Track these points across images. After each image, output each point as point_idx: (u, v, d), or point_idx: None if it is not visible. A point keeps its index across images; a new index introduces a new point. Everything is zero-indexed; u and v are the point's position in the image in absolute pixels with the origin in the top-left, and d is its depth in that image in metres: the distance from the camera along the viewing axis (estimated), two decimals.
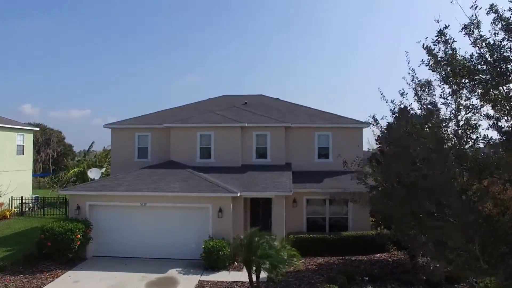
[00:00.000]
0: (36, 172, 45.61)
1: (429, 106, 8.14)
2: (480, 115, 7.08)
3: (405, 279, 13.38)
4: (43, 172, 52.06)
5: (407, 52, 8.67)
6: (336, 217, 18.60)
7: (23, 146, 28.90)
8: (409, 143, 8.17)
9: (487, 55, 6.47)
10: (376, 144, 15.63)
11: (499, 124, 6.58)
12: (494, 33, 6.44)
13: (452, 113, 7.69)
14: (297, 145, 20.39)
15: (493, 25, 6.40)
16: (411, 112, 9.29)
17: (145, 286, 13.15)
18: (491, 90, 6.52)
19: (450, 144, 7.36)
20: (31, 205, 28.12)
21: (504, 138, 6.48)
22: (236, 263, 15.04)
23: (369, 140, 42.68)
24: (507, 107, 6.43)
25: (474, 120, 7.34)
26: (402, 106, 10.05)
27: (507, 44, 6.38)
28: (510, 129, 6.59)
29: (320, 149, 20.53)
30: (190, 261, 15.30)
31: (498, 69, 6.36)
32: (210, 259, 14.43)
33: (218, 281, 13.49)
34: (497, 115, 6.67)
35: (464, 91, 7.20)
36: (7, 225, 23.10)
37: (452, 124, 7.76)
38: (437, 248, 7.66)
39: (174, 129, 20.42)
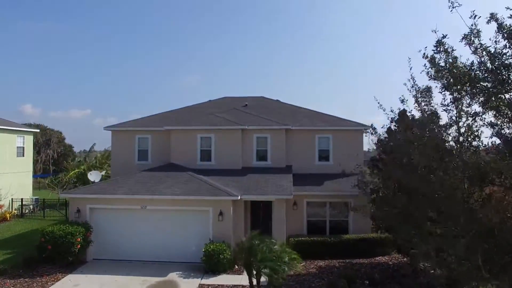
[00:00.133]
0: (36, 172, 45.63)
1: (428, 113, 8.13)
2: (483, 122, 7.05)
3: (405, 283, 13.36)
4: (44, 172, 52.12)
5: (409, 58, 8.69)
6: (337, 220, 18.54)
7: (23, 148, 28.87)
8: (410, 151, 8.15)
9: (488, 63, 6.46)
10: (376, 146, 15.61)
11: (502, 132, 6.56)
12: (495, 41, 6.43)
13: (453, 119, 7.67)
14: (297, 148, 20.36)
15: (497, 33, 6.38)
16: (411, 117, 9.28)
17: None
18: (493, 97, 6.50)
19: (453, 151, 7.34)
20: (31, 207, 28.10)
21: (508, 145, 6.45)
22: (237, 267, 15.01)
23: (369, 140, 42.58)
24: (510, 115, 6.41)
25: (476, 127, 7.31)
26: (402, 110, 10.06)
27: (508, 51, 6.38)
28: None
29: (321, 152, 20.49)
30: (190, 264, 15.28)
31: (499, 76, 6.35)
32: (211, 263, 14.41)
33: (219, 285, 13.48)
34: (499, 123, 6.65)
35: (466, 98, 7.18)
36: (7, 227, 23.07)
37: (453, 130, 7.74)
38: (438, 256, 7.64)
39: (174, 132, 20.40)
